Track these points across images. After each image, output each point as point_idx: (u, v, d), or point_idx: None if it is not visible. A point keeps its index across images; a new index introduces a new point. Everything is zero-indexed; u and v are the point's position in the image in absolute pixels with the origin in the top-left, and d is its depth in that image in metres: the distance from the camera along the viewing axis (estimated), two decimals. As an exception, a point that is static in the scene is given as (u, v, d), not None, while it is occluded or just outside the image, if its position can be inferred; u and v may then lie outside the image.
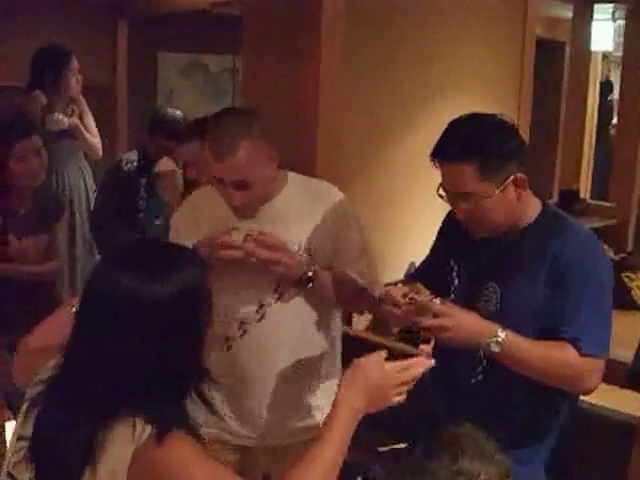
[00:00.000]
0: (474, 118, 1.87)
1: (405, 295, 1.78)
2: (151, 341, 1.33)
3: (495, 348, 1.73)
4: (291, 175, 2.24)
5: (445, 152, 1.83)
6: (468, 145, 1.79)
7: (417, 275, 2.18)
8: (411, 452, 1.70)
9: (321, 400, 2.23)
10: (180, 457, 1.31)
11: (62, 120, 4.20)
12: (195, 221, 2.24)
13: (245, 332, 2.18)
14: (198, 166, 2.76)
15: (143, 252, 1.44)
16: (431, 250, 2.18)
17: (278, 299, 2.16)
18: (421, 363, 1.53)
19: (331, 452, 1.42)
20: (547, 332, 1.79)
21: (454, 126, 1.87)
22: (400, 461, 1.73)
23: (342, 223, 2.20)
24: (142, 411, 1.32)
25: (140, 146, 3.62)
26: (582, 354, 1.76)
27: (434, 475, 1.45)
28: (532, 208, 1.91)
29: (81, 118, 4.40)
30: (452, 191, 1.85)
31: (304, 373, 2.23)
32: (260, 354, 2.18)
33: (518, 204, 1.86)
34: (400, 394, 1.51)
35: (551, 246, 1.84)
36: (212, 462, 1.35)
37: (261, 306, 2.16)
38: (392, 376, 1.50)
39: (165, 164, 3.20)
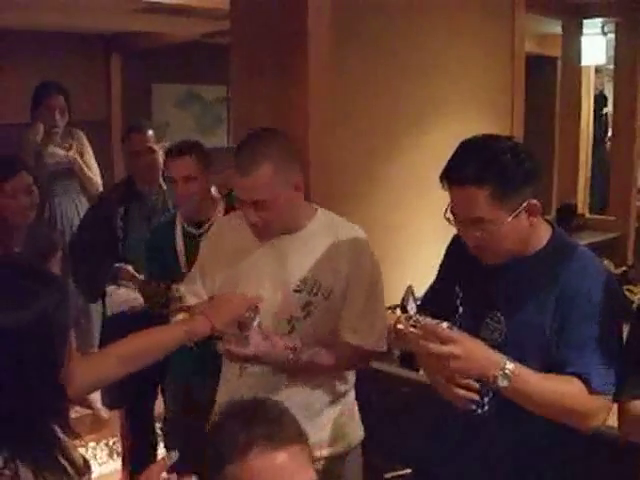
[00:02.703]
0: (488, 140, 1.79)
1: (409, 318, 1.71)
2: (8, 372, 1.29)
3: (503, 382, 1.66)
4: (320, 210, 2.23)
5: (457, 174, 1.75)
6: (482, 168, 1.71)
7: (423, 302, 2.13)
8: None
9: (323, 432, 2.21)
10: None
11: (57, 153, 4.21)
12: (217, 250, 2.27)
13: None
14: (197, 180, 2.78)
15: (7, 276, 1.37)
16: (437, 275, 2.10)
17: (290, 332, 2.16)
18: None
19: None
20: (553, 366, 1.73)
21: (466, 147, 1.78)
22: None
23: (356, 269, 2.15)
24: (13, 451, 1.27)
25: (126, 177, 3.60)
26: (591, 391, 1.71)
27: None
28: (542, 234, 1.84)
29: (81, 154, 4.41)
30: (462, 216, 1.77)
31: (313, 400, 2.21)
32: (269, 379, 2.17)
33: (529, 231, 1.79)
34: None
35: (560, 277, 1.77)
36: None
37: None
38: None
39: None
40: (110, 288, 3.16)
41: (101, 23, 5.72)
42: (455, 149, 1.79)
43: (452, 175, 1.76)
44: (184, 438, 2.64)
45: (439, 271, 2.09)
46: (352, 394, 2.32)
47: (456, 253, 1.97)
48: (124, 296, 3.10)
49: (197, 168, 2.78)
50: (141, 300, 2.90)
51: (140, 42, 6.53)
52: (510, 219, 1.73)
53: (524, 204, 1.74)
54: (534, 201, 1.76)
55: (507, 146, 1.76)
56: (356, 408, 2.34)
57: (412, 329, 1.68)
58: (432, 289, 2.12)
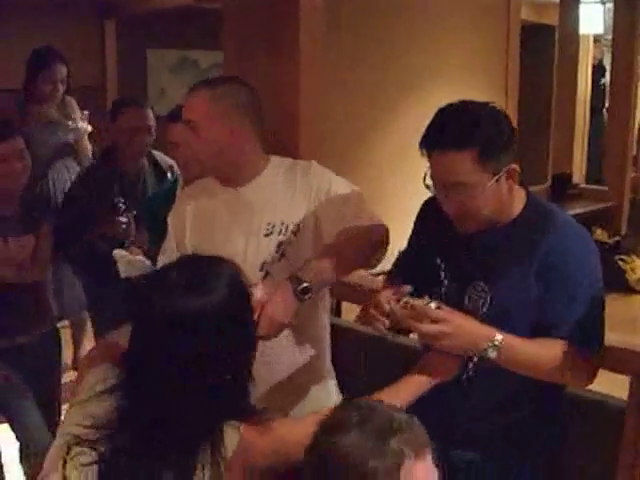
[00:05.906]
0: (466, 105, 1.76)
1: (398, 300, 1.72)
2: (222, 347, 1.43)
3: (492, 353, 1.68)
4: (274, 157, 2.26)
5: (439, 140, 1.72)
6: (465, 132, 1.69)
7: (400, 271, 2.12)
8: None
9: (310, 402, 2.21)
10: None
11: (80, 126, 4.21)
12: (183, 219, 2.28)
13: None
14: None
15: (182, 269, 1.50)
16: (410, 243, 2.09)
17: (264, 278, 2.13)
18: None
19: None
20: (540, 331, 1.74)
21: (445, 113, 1.75)
22: None
23: (323, 194, 2.15)
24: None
25: (106, 151, 3.44)
26: (579, 351, 1.73)
27: None
28: (518, 200, 1.83)
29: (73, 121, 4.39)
30: (443, 181, 1.75)
31: (298, 367, 2.20)
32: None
33: (508, 196, 1.78)
34: None
35: (539, 241, 1.77)
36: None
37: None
38: None
39: None
40: (117, 253, 3.07)
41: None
42: (433, 116, 1.77)
43: (433, 140, 1.73)
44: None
45: (412, 237, 2.08)
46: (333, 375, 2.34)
47: (430, 221, 1.96)
48: (134, 261, 3.06)
49: None
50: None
51: (135, 7, 6.48)
52: (491, 183, 1.72)
53: (505, 168, 1.73)
54: (514, 165, 1.75)
55: (486, 110, 1.75)
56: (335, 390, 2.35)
57: (403, 310, 1.71)
58: (406, 255, 2.09)
